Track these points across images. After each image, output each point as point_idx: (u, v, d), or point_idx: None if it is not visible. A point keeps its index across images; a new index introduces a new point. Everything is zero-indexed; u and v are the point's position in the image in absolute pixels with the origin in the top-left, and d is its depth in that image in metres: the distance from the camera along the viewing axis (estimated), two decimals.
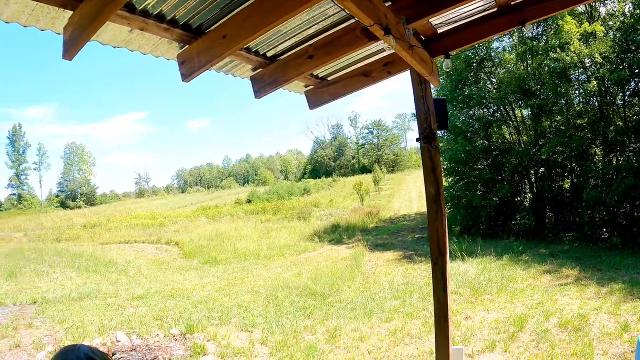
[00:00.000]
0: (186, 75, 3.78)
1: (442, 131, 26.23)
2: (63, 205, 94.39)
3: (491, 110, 24.66)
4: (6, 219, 60.60)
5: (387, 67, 4.38)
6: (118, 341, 9.73)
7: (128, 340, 9.80)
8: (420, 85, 4.25)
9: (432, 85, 4.47)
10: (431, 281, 12.73)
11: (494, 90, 23.77)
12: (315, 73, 4.72)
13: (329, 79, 4.92)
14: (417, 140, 4.29)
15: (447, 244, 4.36)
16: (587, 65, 19.97)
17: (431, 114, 4.21)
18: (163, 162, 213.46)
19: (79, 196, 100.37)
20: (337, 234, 26.71)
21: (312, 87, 4.98)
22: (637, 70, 18.08)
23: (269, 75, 4.18)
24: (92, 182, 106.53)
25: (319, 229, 28.73)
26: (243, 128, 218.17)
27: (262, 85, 4.27)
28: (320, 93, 4.88)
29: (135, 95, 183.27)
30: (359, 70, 4.64)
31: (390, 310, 10.75)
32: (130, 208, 68.32)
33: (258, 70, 4.29)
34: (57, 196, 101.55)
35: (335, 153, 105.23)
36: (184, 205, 66.78)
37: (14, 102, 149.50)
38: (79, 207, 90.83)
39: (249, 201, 56.25)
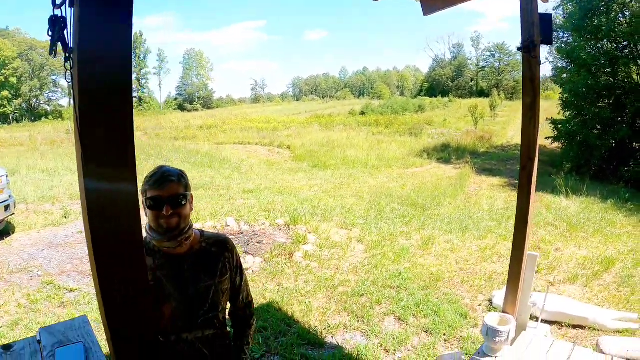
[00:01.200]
0: None
1: (566, 61, 25.35)
2: (181, 108, 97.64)
3: (620, 46, 23.13)
4: None
5: None
6: (227, 225, 10.59)
7: (237, 226, 10.64)
8: None
9: (540, 3, 4.54)
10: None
11: (626, 25, 22.36)
12: None
13: None
14: (518, 49, 4.47)
15: (537, 151, 4.53)
16: None
17: (535, 27, 4.33)
18: (279, 71, 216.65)
19: (197, 100, 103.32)
20: (446, 153, 26.63)
21: None
22: None
23: None
24: (210, 86, 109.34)
25: (428, 147, 28.67)
26: (361, 41, 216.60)
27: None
28: (434, 0, 5.02)
29: (254, 3, 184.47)
30: None
31: (484, 230, 11.01)
32: (246, 113, 69.63)
33: None
34: (176, 99, 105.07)
35: (454, 73, 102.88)
36: (298, 112, 67.23)
37: (134, 11, 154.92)
38: (196, 110, 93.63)
39: (362, 113, 56.29)
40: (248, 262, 8.40)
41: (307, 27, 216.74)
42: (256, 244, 9.51)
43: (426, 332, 6.27)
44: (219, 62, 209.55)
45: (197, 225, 10.05)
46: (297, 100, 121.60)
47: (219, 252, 2.63)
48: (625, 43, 22.58)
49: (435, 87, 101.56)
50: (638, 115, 21.35)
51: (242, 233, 10.16)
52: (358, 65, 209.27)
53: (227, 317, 2.79)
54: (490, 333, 4.57)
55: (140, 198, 2.30)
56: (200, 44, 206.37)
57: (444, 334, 6.20)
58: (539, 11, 4.41)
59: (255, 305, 6.69)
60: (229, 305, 2.84)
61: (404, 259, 9.01)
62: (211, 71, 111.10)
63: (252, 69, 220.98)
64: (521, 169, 4.67)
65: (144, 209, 2.35)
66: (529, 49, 4.33)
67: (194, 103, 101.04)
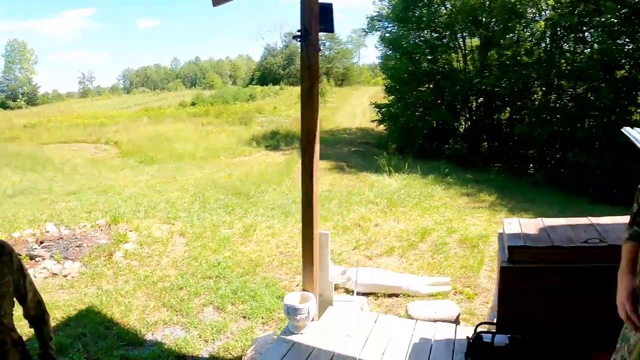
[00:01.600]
0: None
1: (390, 50, 26.67)
2: (3, 105, 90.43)
3: (440, 35, 24.87)
4: None
5: None
6: (47, 231, 10.24)
7: (57, 231, 10.32)
8: None
9: None
10: (353, 190, 13.42)
11: (445, 16, 23.93)
12: None
13: None
14: (294, 37, 4.64)
15: (317, 136, 4.67)
16: (541, 6, 20.39)
17: (313, 16, 4.47)
18: (109, 62, 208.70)
19: (20, 96, 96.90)
20: (275, 140, 27.02)
21: None
22: (585, 20, 18.41)
23: None
24: (34, 81, 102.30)
25: (258, 135, 28.92)
26: (194, 30, 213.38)
27: None
28: None
29: None
30: None
31: None
32: (73, 108, 66.46)
33: None
34: None
35: (285, 62, 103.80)
36: (128, 106, 65.29)
37: None
38: (20, 107, 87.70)
39: (193, 104, 55.65)
40: (67, 268, 8.22)
41: (139, 15, 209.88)
42: (76, 247, 9.26)
43: (244, 317, 6.42)
44: (44, 54, 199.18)
45: (15, 235, 9.76)
46: (128, 92, 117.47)
47: None
48: (445, 33, 24.40)
49: (267, 75, 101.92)
50: (455, 98, 23.05)
51: (61, 238, 9.84)
52: (190, 55, 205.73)
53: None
54: (291, 311, 4.82)
55: None
56: (25, 34, 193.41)
57: (262, 318, 6.38)
58: (320, 0, 4.69)
59: (75, 312, 6.58)
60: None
61: (225, 248, 9.12)
62: (35, 64, 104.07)
63: (81, 60, 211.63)
64: (302, 152, 4.82)
65: None
66: (305, 37, 4.60)
67: (18, 100, 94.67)
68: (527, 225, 4.13)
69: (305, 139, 4.82)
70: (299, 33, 4.65)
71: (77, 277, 7.97)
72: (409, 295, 6.93)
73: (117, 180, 16.72)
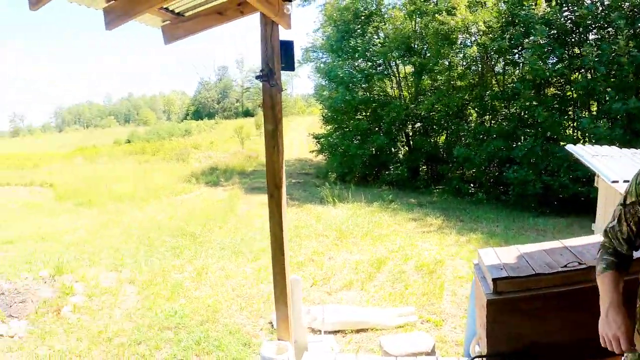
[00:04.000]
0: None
1: (325, 80, 26.83)
2: None
3: (375, 64, 25.26)
4: None
5: (240, 7, 4.40)
6: None
7: None
8: (266, 25, 4.43)
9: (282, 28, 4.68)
10: (300, 223, 13.30)
11: (379, 45, 24.32)
12: (171, 8, 4.75)
13: (185, 15, 4.97)
14: (256, 77, 4.57)
15: (283, 179, 4.55)
16: (472, 31, 20.92)
17: (275, 55, 4.45)
18: (41, 100, 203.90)
19: None
20: (214, 176, 26.78)
21: (168, 22, 5.04)
22: (516, 43, 18.99)
23: (120, 7, 4.30)
24: None
25: (196, 171, 28.62)
26: (128, 66, 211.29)
27: (113, 17, 4.39)
28: (176, 28, 4.87)
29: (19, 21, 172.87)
30: (214, 8, 4.68)
31: (257, 251, 11.19)
32: (3, 148, 64.88)
33: (110, 2, 4.39)
34: None
35: (220, 95, 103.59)
36: (62, 145, 63.95)
37: None
38: None
39: (128, 141, 54.89)
40: (13, 328, 7.75)
41: (75, 51, 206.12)
42: (19, 304, 8.77)
43: None
44: None
45: None
46: (60, 131, 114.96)
47: None
48: (380, 61, 24.72)
49: (202, 110, 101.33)
50: (393, 124, 23.35)
51: (3, 293, 9.32)
52: (123, 92, 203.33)
53: None
54: None
55: None
56: None
57: None
58: (281, 38, 4.60)
59: None
60: None
61: (179, 294, 8.78)
62: None
63: (12, 99, 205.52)
64: (269, 197, 4.70)
65: None
66: (267, 77, 4.49)
67: None
68: (503, 254, 4.09)
69: (272, 183, 4.72)
70: (260, 73, 4.55)
71: (25, 337, 7.47)
72: (377, 329, 6.82)
73: (56, 225, 16.14)
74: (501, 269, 3.76)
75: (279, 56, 4.53)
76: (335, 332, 6.80)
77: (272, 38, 4.51)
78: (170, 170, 29.47)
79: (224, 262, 10.61)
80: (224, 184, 24.20)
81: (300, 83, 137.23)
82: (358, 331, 6.84)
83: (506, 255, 4.05)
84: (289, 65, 4.67)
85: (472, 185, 20.96)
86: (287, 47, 4.62)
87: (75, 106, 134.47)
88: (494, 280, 3.65)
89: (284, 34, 4.68)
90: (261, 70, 4.55)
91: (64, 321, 7.93)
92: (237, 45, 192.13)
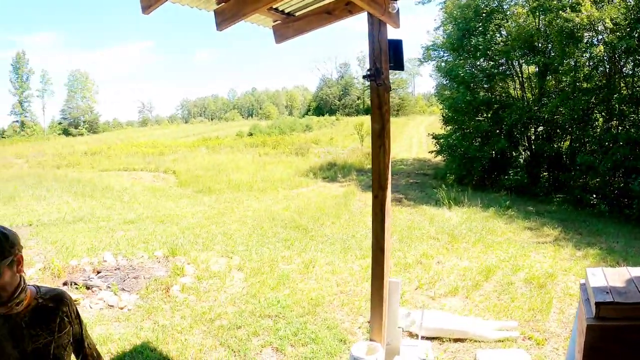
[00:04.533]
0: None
1: (446, 79, 26.32)
2: (66, 132, 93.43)
3: (497, 64, 24.36)
4: (8, 146, 60.28)
5: (348, 6, 4.44)
6: (105, 261, 10.21)
7: (114, 260, 10.28)
8: (373, 24, 4.35)
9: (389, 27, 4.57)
10: (412, 224, 13.06)
11: (501, 43, 23.48)
12: (280, 8, 4.81)
13: (295, 14, 4.99)
14: (364, 77, 4.48)
15: (389, 179, 4.49)
16: (598, 29, 19.76)
17: (383, 53, 4.35)
18: (168, 92, 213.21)
19: (82, 124, 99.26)
20: (332, 171, 26.90)
21: (279, 22, 5.09)
22: None
23: (230, 8, 4.34)
24: (96, 110, 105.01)
25: (315, 166, 28.93)
26: (251, 61, 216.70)
27: (224, 18, 4.43)
28: (286, 28, 4.97)
29: (143, 23, 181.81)
30: (323, 7, 4.70)
31: (367, 249, 10.92)
32: (132, 137, 67.87)
33: (220, 5, 4.44)
34: (60, 123, 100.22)
35: (341, 92, 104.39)
36: (186, 135, 66.37)
37: (18, 29, 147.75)
38: (82, 134, 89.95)
39: (250, 134, 56.20)
40: (124, 300, 8.09)
41: (197, 47, 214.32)
42: (133, 279, 9.17)
43: None
44: (106, 84, 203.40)
45: (73, 262, 9.70)
46: (186, 122, 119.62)
47: (56, 307, 2.56)
48: (501, 61, 23.76)
49: (323, 106, 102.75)
50: (514, 127, 22.43)
51: (119, 268, 9.78)
52: (247, 86, 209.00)
53: None
54: None
55: None
56: (87, 65, 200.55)
57: None
58: (389, 37, 4.45)
59: (129, 347, 6.43)
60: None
61: (284, 285, 8.92)
62: (97, 93, 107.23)
63: (141, 90, 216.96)
64: (373, 198, 4.64)
65: None
66: (374, 77, 4.36)
67: (80, 127, 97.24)
68: (612, 276, 3.80)
69: (377, 184, 4.62)
70: (368, 72, 4.41)
71: (134, 310, 7.85)
72: (475, 341, 6.61)
73: (175, 210, 16.75)
74: (607, 292, 3.52)
75: (387, 55, 4.42)
76: (433, 338, 6.67)
77: (379, 37, 4.42)
78: (289, 164, 29.91)
79: (332, 257, 10.63)
80: (341, 180, 24.24)
81: (423, 82, 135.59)
82: (456, 340, 6.66)
83: (615, 277, 3.79)
84: (398, 65, 4.53)
85: (594, 195, 19.75)
86: (395, 47, 4.49)
87: (200, 99, 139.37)
88: (597, 304, 3.42)
89: (394, 34, 4.54)
90: (369, 70, 4.48)
91: (172, 299, 8.25)
92: (359, 42, 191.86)
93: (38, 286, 2.63)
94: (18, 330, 2.41)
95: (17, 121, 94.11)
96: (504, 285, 8.77)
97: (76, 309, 2.72)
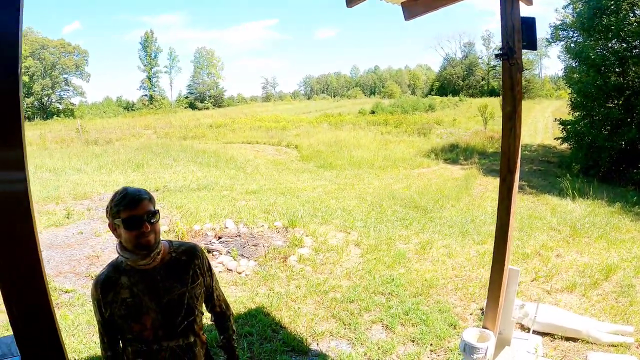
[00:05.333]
0: None
1: (576, 61, 25.17)
2: (192, 106, 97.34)
3: (630, 46, 22.75)
4: (137, 118, 63.68)
5: None
6: (226, 227, 10.60)
7: (235, 228, 10.64)
8: (506, 1, 4.16)
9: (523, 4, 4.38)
10: (534, 213, 12.65)
11: (635, 24, 22.01)
12: None
13: None
14: (496, 56, 4.33)
15: (518, 164, 4.37)
16: None
17: (516, 32, 4.18)
18: (291, 69, 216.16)
19: (207, 98, 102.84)
20: (454, 153, 26.60)
21: None
22: None
23: None
24: (221, 85, 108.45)
25: (437, 147, 28.60)
26: (373, 39, 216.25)
27: None
28: (415, 5, 4.85)
29: (266, 2, 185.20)
30: None
31: (485, 234, 10.88)
32: (256, 111, 69.47)
33: None
34: (187, 98, 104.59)
35: (465, 72, 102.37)
36: (309, 111, 67.16)
37: (145, 11, 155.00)
38: (207, 108, 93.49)
39: (372, 112, 56.24)
40: (242, 266, 8.39)
41: (319, 25, 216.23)
42: (252, 246, 9.49)
43: (413, 341, 6.19)
44: (230, 61, 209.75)
45: (196, 227, 10.14)
46: (308, 98, 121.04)
47: (189, 260, 2.74)
48: (635, 43, 22.26)
49: (446, 86, 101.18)
50: None
51: (239, 235, 10.14)
52: (369, 64, 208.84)
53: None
54: (468, 349, 4.53)
55: (109, 221, 2.50)
56: (212, 42, 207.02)
57: (431, 344, 6.11)
58: (522, 14, 4.29)
59: (244, 310, 6.71)
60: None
61: (400, 264, 8.93)
62: (222, 70, 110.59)
63: (264, 67, 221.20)
64: (501, 181, 4.51)
65: (114, 230, 2.51)
66: (507, 55, 4.21)
67: (205, 102, 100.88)
68: None
69: (505, 167, 4.47)
70: (500, 51, 4.28)
71: (251, 275, 8.15)
72: (587, 342, 6.37)
73: (296, 183, 17.08)
74: None
75: (520, 34, 4.26)
76: (545, 334, 6.50)
77: (512, 14, 4.24)
78: (410, 144, 29.78)
79: (449, 240, 10.53)
80: (463, 163, 23.89)
81: (550, 63, 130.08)
82: (568, 339, 6.44)
83: None
84: (531, 44, 4.36)
85: None
86: (528, 25, 4.32)
87: (323, 76, 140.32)
88: None
89: (526, 11, 4.36)
90: (501, 49, 4.32)
91: (288, 268, 8.51)
92: (483, 21, 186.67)
93: (170, 241, 2.81)
94: (154, 283, 2.60)
95: (145, 95, 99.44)
96: (624, 286, 8.29)
97: (208, 262, 2.86)
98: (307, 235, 10.26)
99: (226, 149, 26.82)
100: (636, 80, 22.81)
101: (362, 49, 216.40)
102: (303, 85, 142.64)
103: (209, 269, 2.86)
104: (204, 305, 2.90)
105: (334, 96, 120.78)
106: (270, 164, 21.93)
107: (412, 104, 62.86)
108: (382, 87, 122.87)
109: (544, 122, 43.06)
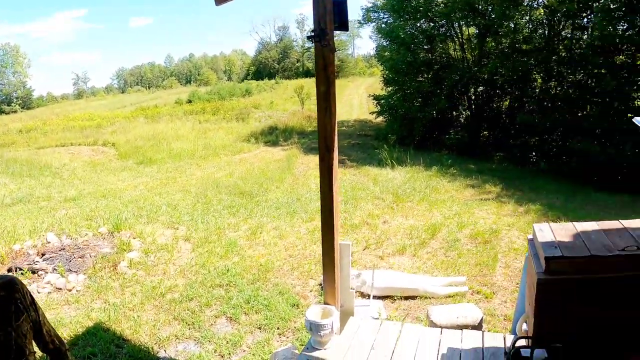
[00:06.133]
0: None
1: (387, 40, 26.35)
2: None
3: (437, 25, 24.49)
4: None
5: None
6: (48, 242, 9.97)
7: (58, 241, 10.06)
8: None
9: None
10: (357, 185, 13.17)
11: (442, 5, 23.46)
12: None
13: None
14: (308, 38, 4.42)
15: (335, 141, 4.41)
16: None
17: (327, 14, 4.28)
18: (104, 62, 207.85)
19: (15, 100, 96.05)
20: (273, 135, 26.86)
21: None
22: (585, 7, 18.16)
23: None
24: (28, 84, 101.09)
25: (256, 131, 28.76)
26: (187, 27, 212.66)
27: None
28: None
29: None
30: None
31: (312, 211, 11.14)
32: (68, 110, 65.97)
33: None
34: None
35: (280, 55, 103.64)
36: (124, 105, 64.96)
37: None
38: (15, 111, 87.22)
39: (189, 101, 55.31)
40: (72, 281, 7.96)
41: (131, 14, 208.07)
42: (78, 259, 8.98)
43: (259, 328, 6.22)
44: (37, 57, 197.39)
45: (16, 247, 9.49)
46: (122, 92, 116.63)
47: (8, 295, 2.45)
48: (442, 22, 23.94)
49: (262, 70, 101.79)
50: (455, 87, 22.73)
51: (63, 249, 9.56)
52: (184, 52, 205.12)
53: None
54: (314, 327, 4.61)
55: None
56: (18, 37, 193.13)
57: (278, 328, 6.19)
58: None
59: (82, 330, 6.31)
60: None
61: (232, 252, 8.92)
62: (29, 67, 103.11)
63: (75, 61, 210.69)
64: (320, 160, 4.57)
65: None
66: (319, 37, 4.31)
67: (12, 104, 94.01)
68: (559, 231, 3.91)
69: (323, 146, 4.55)
70: (312, 33, 4.35)
71: (82, 290, 7.71)
72: (425, 297, 6.76)
73: (117, 183, 16.51)
74: (555, 247, 3.61)
75: (332, 15, 4.31)
76: (384, 297, 6.79)
77: None
78: (230, 130, 29.71)
79: (278, 222, 10.68)
80: (283, 144, 24.26)
81: (362, 43, 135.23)
82: (407, 298, 6.80)
83: (562, 233, 3.90)
84: (343, 25, 4.46)
85: (534, 154, 20.33)
86: (340, 6, 4.39)
87: (137, 67, 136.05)
88: (547, 259, 3.51)
89: None
90: (313, 31, 4.36)
91: (120, 276, 8.15)
92: (297, 4, 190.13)
93: None
94: None
95: None
96: (450, 242, 8.95)
97: (30, 295, 2.61)
98: (134, 238, 9.87)
99: (39, 155, 25.21)
100: (443, 55, 24.65)
101: (177, 37, 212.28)
102: (116, 79, 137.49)
103: (32, 302, 2.59)
104: (34, 344, 2.65)
105: (149, 87, 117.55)
106: (87, 166, 20.97)
107: (228, 90, 62.56)
108: (198, 74, 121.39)
109: (358, 99, 44.67)
